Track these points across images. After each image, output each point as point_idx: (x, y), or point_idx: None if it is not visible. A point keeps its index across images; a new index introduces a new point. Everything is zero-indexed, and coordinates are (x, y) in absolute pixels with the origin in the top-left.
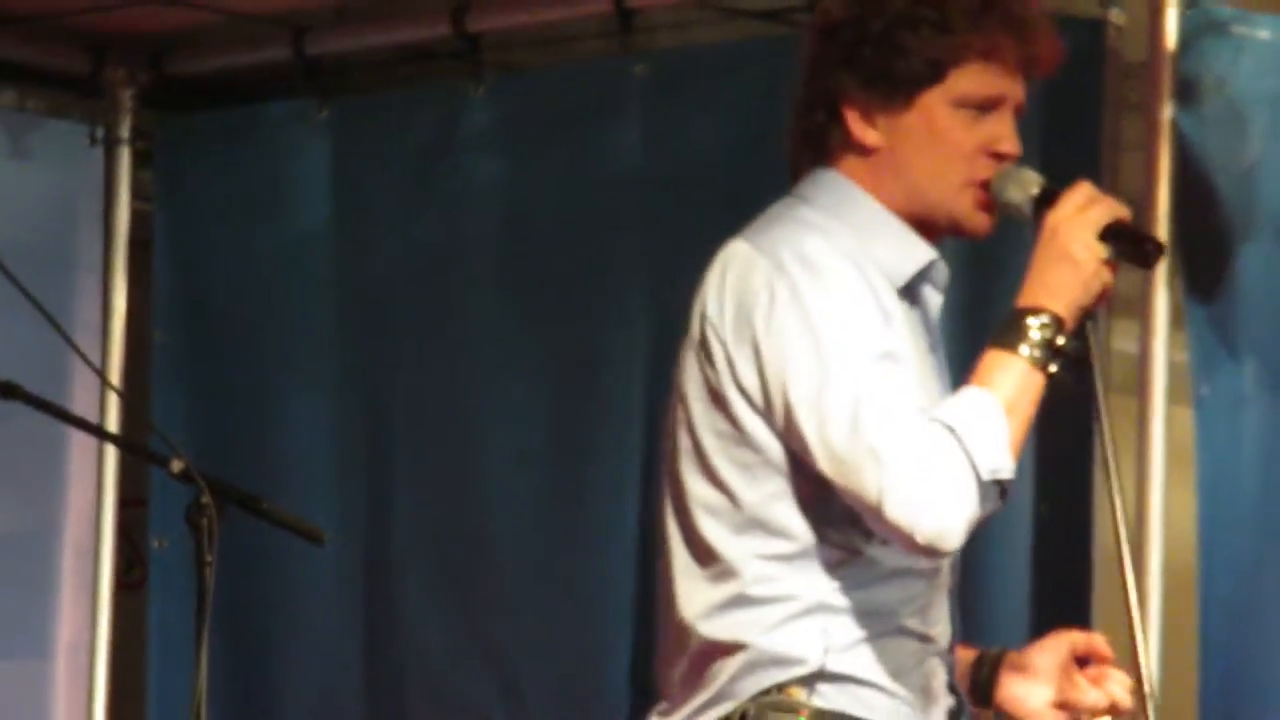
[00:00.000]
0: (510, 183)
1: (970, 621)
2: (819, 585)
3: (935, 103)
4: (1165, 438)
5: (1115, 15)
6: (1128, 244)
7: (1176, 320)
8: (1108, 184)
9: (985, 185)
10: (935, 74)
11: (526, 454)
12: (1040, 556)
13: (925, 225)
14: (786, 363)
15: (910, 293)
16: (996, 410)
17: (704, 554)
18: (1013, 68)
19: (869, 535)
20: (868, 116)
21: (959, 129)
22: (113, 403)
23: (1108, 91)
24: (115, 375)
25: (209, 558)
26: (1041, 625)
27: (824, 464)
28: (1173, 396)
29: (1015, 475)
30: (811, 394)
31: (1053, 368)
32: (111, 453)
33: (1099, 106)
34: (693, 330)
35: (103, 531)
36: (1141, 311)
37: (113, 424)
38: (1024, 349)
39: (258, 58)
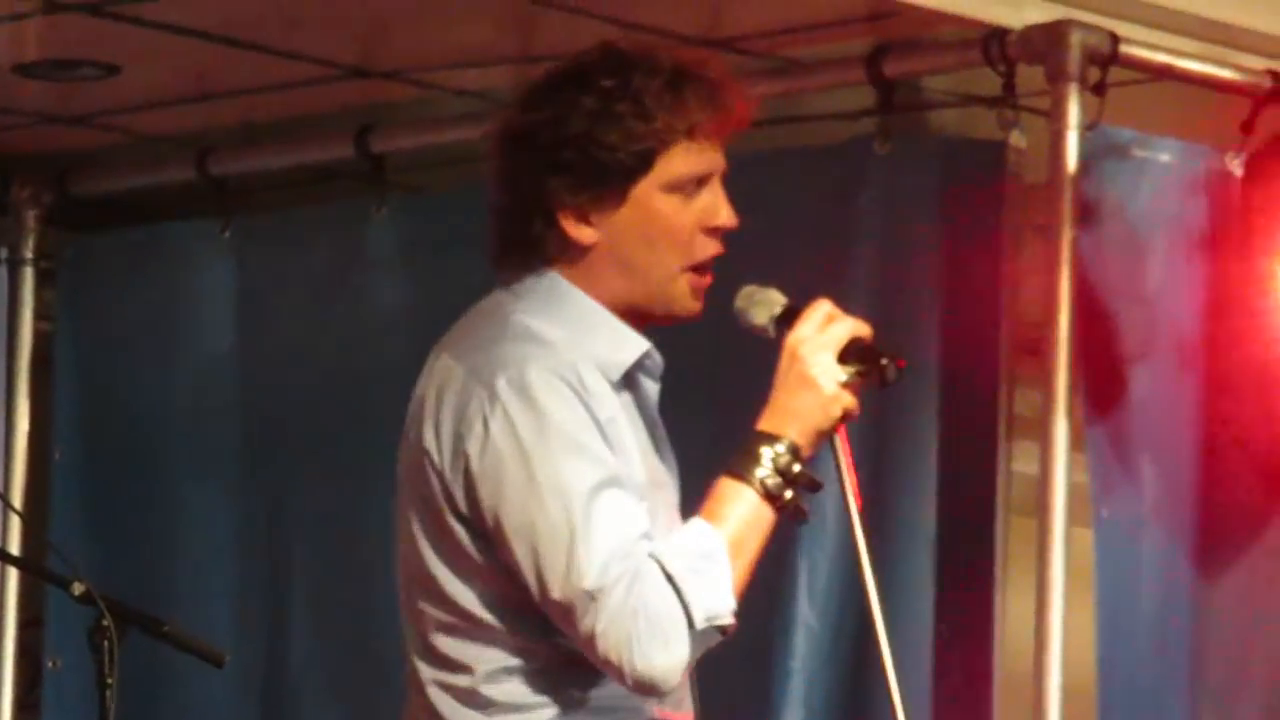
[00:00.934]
0: (413, 303)
1: None
2: (556, 689)
3: (648, 192)
4: (1065, 560)
5: (1015, 138)
6: (869, 362)
7: (1077, 442)
8: (1008, 306)
9: (699, 268)
10: (644, 164)
11: None
12: (940, 678)
13: (642, 315)
14: (501, 499)
15: (627, 380)
16: (720, 551)
17: (440, 661)
18: (714, 139)
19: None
20: (581, 216)
21: (675, 213)
22: (14, 523)
23: (1008, 214)
24: (16, 495)
25: (110, 679)
26: None
27: (539, 599)
28: (1073, 518)
29: (735, 617)
30: (526, 532)
31: (788, 495)
32: (12, 573)
33: (999, 229)
34: (410, 454)
35: (3, 652)
36: (1042, 433)
37: (13, 544)
38: (758, 477)
39: (162, 177)
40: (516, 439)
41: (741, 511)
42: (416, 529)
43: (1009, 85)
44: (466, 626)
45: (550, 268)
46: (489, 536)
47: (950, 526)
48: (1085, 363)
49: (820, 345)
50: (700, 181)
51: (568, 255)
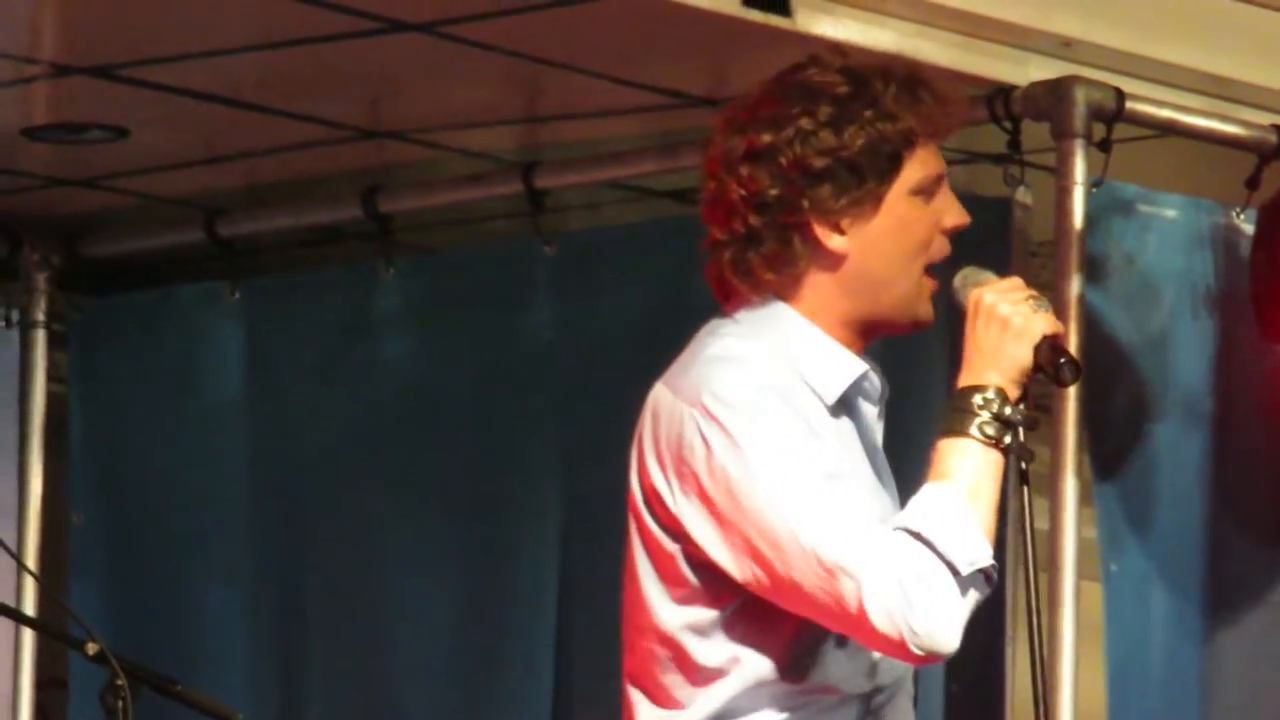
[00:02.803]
0: (422, 364)
1: None
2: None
3: (897, 196)
4: (1075, 613)
5: (1021, 194)
6: (1053, 356)
7: (1085, 497)
8: None
9: (929, 272)
10: (894, 167)
11: (438, 640)
12: None
13: (883, 326)
14: (737, 511)
15: (844, 406)
16: (959, 500)
17: (665, 699)
18: (940, 140)
19: (826, 668)
20: (835, 226)
21: (920, 216)
22: (29, 585)
23: (1016, 270)
24: (31, 558)
25: None
26: None
27: (792, 599)
28: (1082, 572)
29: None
30: (769, 534)
31: (1008, 438)
32: (29, 634)
33: None
34: (634, 489)
35: (20, 714)
36: (1051, 488)
37: (29, 606)
38: (974, 430)
39: (170, 240)
40: (737, 448)
41: (968, 463)
42: (638, 557)
43: (1014, 142)
44: (697, 673)
45: (771, 296)
46: (725, 557)
47: None
48: (1094, 418)
49: (1010, 298)
50: (936, 182)
51: (814, 272)
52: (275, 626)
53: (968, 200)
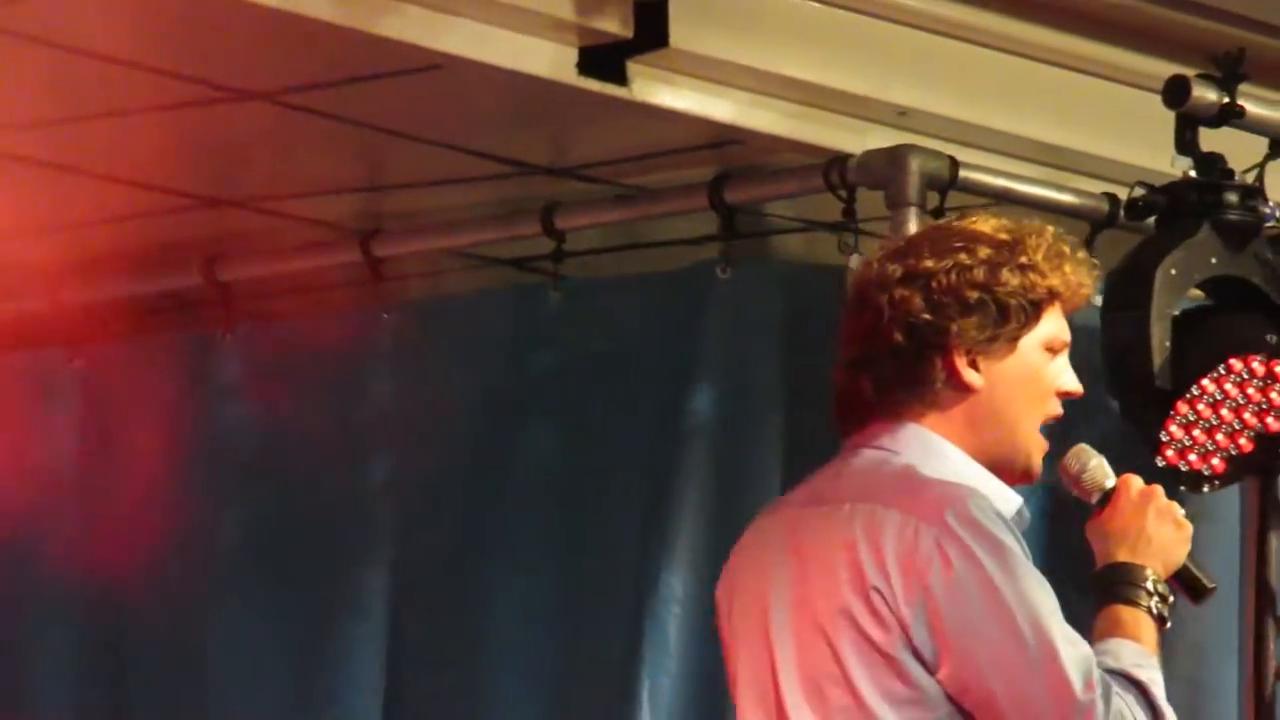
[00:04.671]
0: (261, 428)
1: None
2: None
3: (1031, 345)
4: None
5: (856, 262)
6: (1191, 573)
7: None
8: None
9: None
10: (1035, 316)
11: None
12: None
13: (997, 470)
14: (970, 627)
15: None
16: (1158, 664)
17: None
18: (1069, 312)
19: None
20: (972, 361)
21: (1045, 370)
22: None
23: None
24: None
25: None
26: None
27: (1016, 717)
28: None
29: None
30: (1004, 656)
31: (1168, 623)
32: None
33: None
34: (843, 595)
35: None
36: None
37: None
38: (1154, 609)
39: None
40: (980, 568)
41: (1148, 635)
42: (847, 660)
43: (850, 210)
44: None
45: (910, 421)
46: (941, 666)
47: None
48: None
49: (1171, 504)
50: (1063, 346)
51: (943, 401)
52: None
53: (804, 269)
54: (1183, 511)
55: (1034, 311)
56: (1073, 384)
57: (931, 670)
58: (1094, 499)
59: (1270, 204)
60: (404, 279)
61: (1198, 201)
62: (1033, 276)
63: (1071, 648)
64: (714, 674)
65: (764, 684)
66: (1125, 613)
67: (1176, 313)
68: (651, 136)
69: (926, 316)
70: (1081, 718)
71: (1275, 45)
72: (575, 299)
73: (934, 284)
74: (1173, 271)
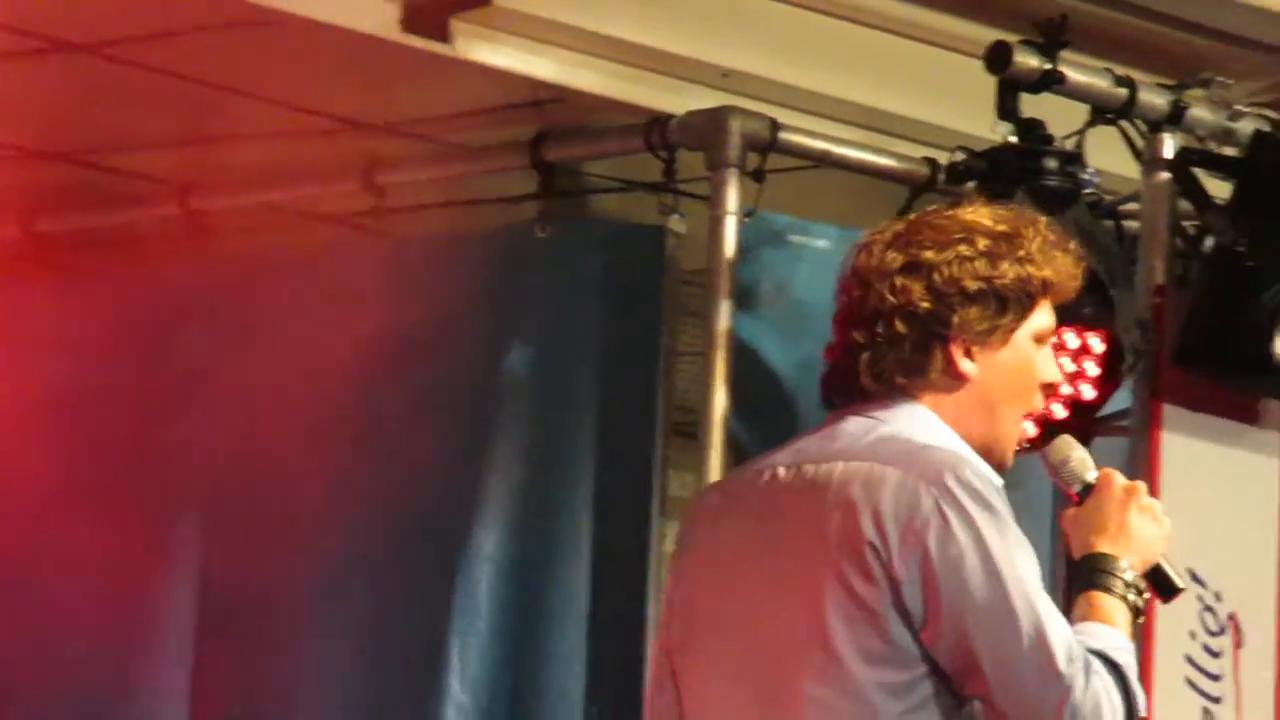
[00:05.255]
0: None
1: None
2: None
3: (1024, 337)
4: None
5: (675, 223)
6: (1163, 573)
7: None
8: (665, 387)
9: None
10: (1030, 307)
11: None
12: None
13: (979, 454)
14: (964, 588)
15: None
16: (1132, 653)
17: None
18: (1058, 302)
19: None
20: (968, 350)
21: (1033, 361)
22: None
23: (667, 297)
24: None
25: None
26: None
27: (992, 687)
28: None
29: None
30: (993, 619)
31: (1141, 613)
32: None
33: (659, 312)
34: (832, 550)
35: None
36: None
37: None
38: (1130, 598)
39: None
40: (978, 532)
41: (1123, 622)
42: (830, 619)
43: (669, 171)
44: (858, 711)
45: (904, 399)
46: (928, 626)
47: (602, 607)
48: (739, 445)
49: (1152, 501)
50: (1050, 337)
51: (938, 388)
52: None
53: (623, 228)
54: (1161, 509)
55: (1029, 303)
56: (1055, 376)
57: (916, 630)
58: (1075, 489)
59: (1090, 170)
60: (225, 233)
61: (1017, 167)
62: (1029, 268)
63: (1057, 622)
64: (524, 632)
65: (741, 648)
66: (1103, 599)
67: None
68: (473, 94)
69: (927, 306)
70: (1061, 689)
71: (1097, 12)
72: (395, 255)
73: (935, 275)
74: None
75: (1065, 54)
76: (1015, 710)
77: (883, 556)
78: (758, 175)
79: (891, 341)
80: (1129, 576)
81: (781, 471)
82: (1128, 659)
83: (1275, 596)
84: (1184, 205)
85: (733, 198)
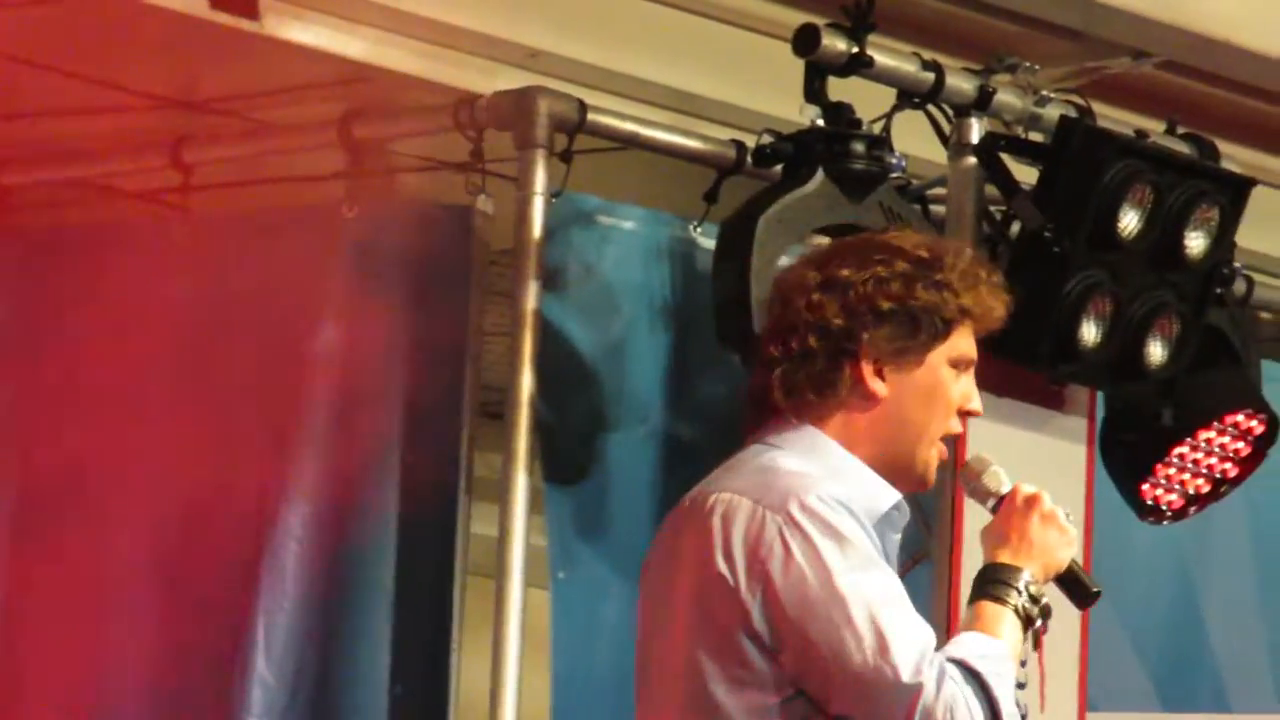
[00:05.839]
0: None
1: None
2: None
3: (938, 360)
4: (521, 621)
5: (483, 203)
6: (1077, 575)
7: (536, 504)
8: (471, 369)
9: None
10: (945, 332)
11: None
12: None
13: (891, 476)
14: (806, 613)
15: (877, 531)
16: (1007, 659)
17: None
18: (980, 333)
19: None
20: (879, 370)
21: (950, 386)
22: None
23: (474, 278)
24: None
25: None
26: None
27: (844, 702)
28: (530, 579)
29: None
30: (834, 641)
31: (1037, 622)
32: None
33: (466, 292)
34: (694, 581)
35: None
36: (501, 496)
37: None
38: (1020, 607)
39: None
40: (818, 556)
41: (1008, 631)
42: (696, 647)
43: (477, 151)
44: None
45: (808, 421)
46: (781, 651)
47: (408, 586)
48: (546, 427)
49: (1060, 509)
50: (969, 365)
51: (848, 406)
52: None
53: (431, 208)
54: (1067, 517)
55: (944, 328)
56: (975, 404)
57: (772, 655)
58: (989, 504)
59: (897, 155)
60: (30, 209)
61: (824, 150)
62: (946, 294)
63: (907, 634)
64: (330, 612)
65: (649, 674)
66: (989, 609)
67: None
68: (282, 72)
69: (840, 323)
70: (908, 697)
71: None
72: (202, 233)
73: (851, 293)
74: (778, 222)
75: (873, 38)
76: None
77: (731, 585)
78: (565, 156)
79: (804, 357)
80: (1023, 585)
81: (687, 501)
82: (993, 667)
83: None
84: (990, 190)
85: (540, 178)
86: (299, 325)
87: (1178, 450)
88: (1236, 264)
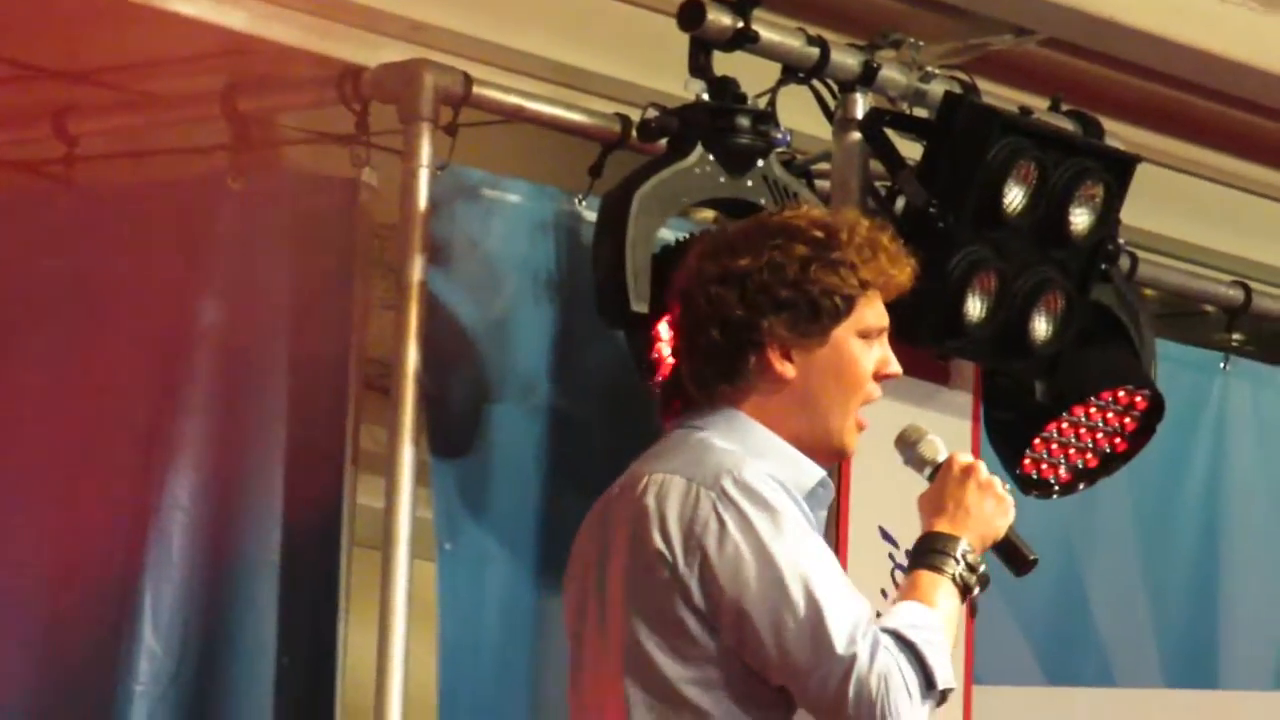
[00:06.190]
0: None
1: None
2: None
3: (844, 336)
4: (408, 592)
5: (368, 175)
6: (1013, 545)
7: (422, 477)
8: (357, 342)
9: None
10: (847, 308)
11: None
12: (282, 708)
13: (811, 451)
14: (741, 586)
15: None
16: (941, 626)
17: None
18: (887, 297)
19: None
20: (785, 353)
21: (861, 358)
22: None
23: (359, 251)
24: None
25: None
26: None
27: (782, 673)
28: (417, 551)
29: None
30: (770, 613)
31: (975, 590)
32: None
33: (351, 265)
34: (630, 560)
35: None
36: (387, 468)
37: None
38: (954, 572)
39: None
40: (752, 530)
41: (947, 601)
42: (637, 623)
43: (362, 124)
44: (676, 710)
45: (725, 405)
46: (720, 624)
47: (294, 558)
48: (432, 400)
49: (997, 478)
50: (880, 332)
51: (763, 387)
52: None
53: (315, 180)
54: (1004, 486)
55: (846, 305)
56: (892, 367)
57: (712, 628)
58: (925, 473)
59: (782, 129)
60: None
61: (709, 125)
62: (844, 271)
63: (841, 606)
64: (216, 582)
65: (588, 655)
66: (925, 578)
67: (685, 235)
68: (166, 43)
69: (740, 314)
70: (842, 668)
71: None
72: (84, 204)
73: (749, 282)
74: (653, 197)
75: (758, 13)
76: (805, 693)
77: (669, 562)
78: (450, 129)
79: (710, 350)
80: (959, 554)
81: (615, 490)
82: (927, 636)
83: None
84: (876, 166)
85: (425, 151)
86: (183, 298)
87: (1054, 426)
88: (1121, 241)
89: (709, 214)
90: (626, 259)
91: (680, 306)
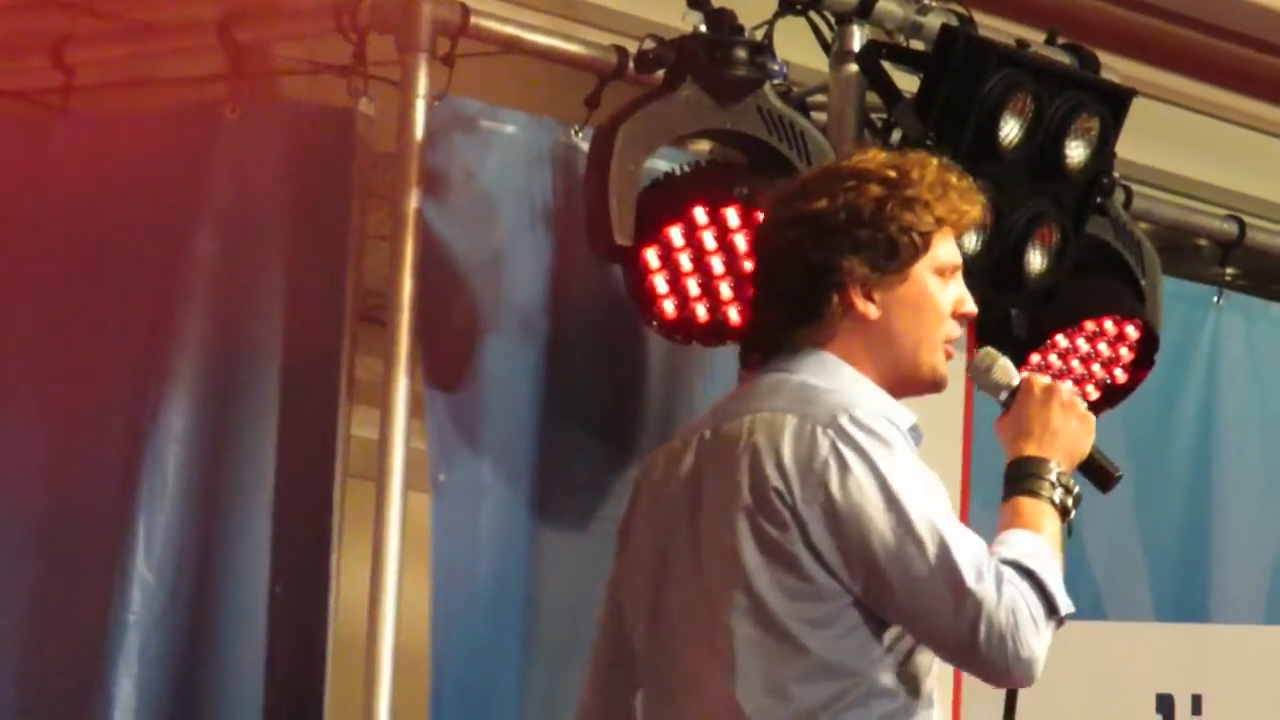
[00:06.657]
0: None
1: (203, 705)
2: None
3: (922, 272)
4: (401, 523)
5: (365, 105)
6: (1100, 461)
7: (416, 409)
8: (353, 272)
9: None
10: (925, 245)
11: None
12: (274, 637)
13: (903, 387)
14: (867, 524)
15: None
16: (1052, 552)
17: (774, 692)
18: (960, 235)
19: (928, 670)
20: (867, 293)
21: (940, 294)
22: None
23: (356, 182)
24: None
25: None
26: (275, 707)
27: (908, 612)
28: (411, 483)
29: None
30: (896, 550)
31: (1072, 512)
32: None
33: (348, 195)
34: (744, 497)
35: None
36: (382, 399)
37: None
38: (1052, 496)
39: None
40: (875, 468)
41: (1048, 524)
42: (747, 560)
43: (360, 54)
44: (780, 644)
45: (811, 347)
46: (842, 561)
47: (289, 488)
48: (427, 331)
49: (1077, 396)
50: (954, 270)
51: (844, 330)
52: None
53: (312, 110)
54: (1085, 405)
55: (923, 242)
56: (969, 306)
57: (830, 566)
58: (1001, 397)
59: (779, 62)
60: None
61: (706, 56)
62: (919, 209)
63: (964, 541)
64: (210, 513)
65: (681, 598)
66: (1026, 504)
67: (675, 169)
68: None
69: (819, 256)
70: (973, 605)
71: None
72: (82, 133)
73: (826, 224)
74: (639, 130)
75: None
76: (933, 631)
77: (788, 500)
78: (448, 60)
79: (792, 294)
80: (1054, 476)
81: (706, 434)
82: (1044, 563)
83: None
84: (872, 99)
85: (423, 82)
86: (179, 227)
87: (1043, 357)
88: (1116, 174)
89: (704, 145)
90: (610, 192)
91: (760, 254)
